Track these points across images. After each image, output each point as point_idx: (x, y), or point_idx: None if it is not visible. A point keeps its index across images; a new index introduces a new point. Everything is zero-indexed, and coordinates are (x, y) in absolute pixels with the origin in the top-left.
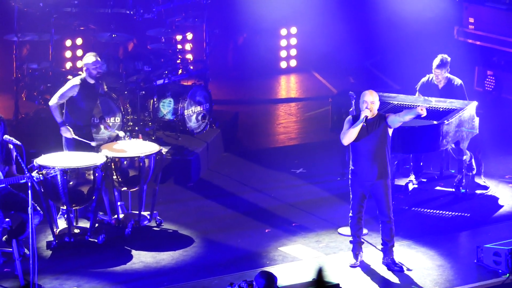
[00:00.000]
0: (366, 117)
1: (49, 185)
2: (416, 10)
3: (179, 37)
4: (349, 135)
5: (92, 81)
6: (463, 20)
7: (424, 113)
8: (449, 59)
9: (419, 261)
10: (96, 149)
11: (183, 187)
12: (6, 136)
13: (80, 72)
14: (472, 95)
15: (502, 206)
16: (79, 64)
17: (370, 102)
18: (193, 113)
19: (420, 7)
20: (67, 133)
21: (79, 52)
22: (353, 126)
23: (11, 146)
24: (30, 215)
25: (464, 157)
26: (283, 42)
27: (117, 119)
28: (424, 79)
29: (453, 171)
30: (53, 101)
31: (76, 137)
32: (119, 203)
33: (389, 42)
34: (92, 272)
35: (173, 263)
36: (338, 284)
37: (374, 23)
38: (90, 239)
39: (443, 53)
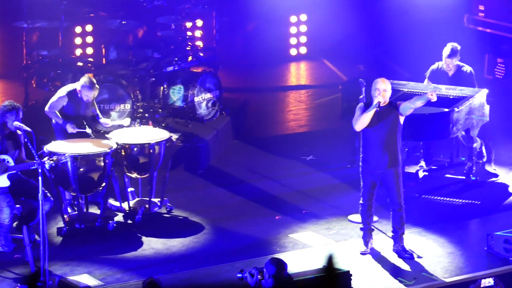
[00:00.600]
0: (379, 102)
1: (60, 172)
2: None
3: (189, 24)
4: (362, 121)
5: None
6: (473, 8)
7: (434, 98)
8: (459, 47)
9: (430, 248)
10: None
11: (193, 174)
12: (16, 123)
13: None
14: (482, 82)
15: None
16: (88, 51)
17: (383, 89)
18: (203, 100)
19: None
20: (71, 129)
21: (89, 39)
22: (367, 111)
23: (19, 132)
24: (40, 202)
25: (475, 145)
26: (293, 29)
27: (127, 106)
28: (433, 67)
29: (463, 158)
30: (46, 108)
31: (79, 130)
32: (129, 190)
33: (399, 30)
34: (102, 259)
35: (183, 250)
36: (349, 271)
37: (384, 11)
38: (100, 225)
39: (453, 41)
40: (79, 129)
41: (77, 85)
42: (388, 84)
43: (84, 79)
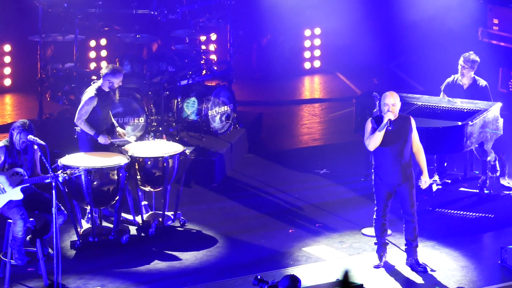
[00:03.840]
0: (390, 121)
1: (73, 185)
2: (440, 11)
3: (203, 38)
4: (374, 140)
5: (107, 89)
6: (487, 21)
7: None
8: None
9: (443, 262)
10: (118, 149)
11: (206, 187)
12: (30, 136)
13: (94, 78)
14: (497, 96)
15: None
16: (103, 64)
17: (391, 104)
18: (217, 114)
19: (444, 8)
20: (105, 139)
21: (103, 53)
22: (378, 130)
23: (35, 146)
24: (54, 215)
25: (488, 158)
26: (307, 43)
27: (141, 120)
28: (449, 80)
29: (477, 172)
30: (77, 119)
31: (113, 141)
32: (143, 203)
33: (413, 43)
34: (115, 272)
35: (196, 263)
36: (362, 285)
37: (398, 24)
38: (113, 239)
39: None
40: (113, 140)
41: (99, 82)
42: (397, 97)
43: (110, 67)
